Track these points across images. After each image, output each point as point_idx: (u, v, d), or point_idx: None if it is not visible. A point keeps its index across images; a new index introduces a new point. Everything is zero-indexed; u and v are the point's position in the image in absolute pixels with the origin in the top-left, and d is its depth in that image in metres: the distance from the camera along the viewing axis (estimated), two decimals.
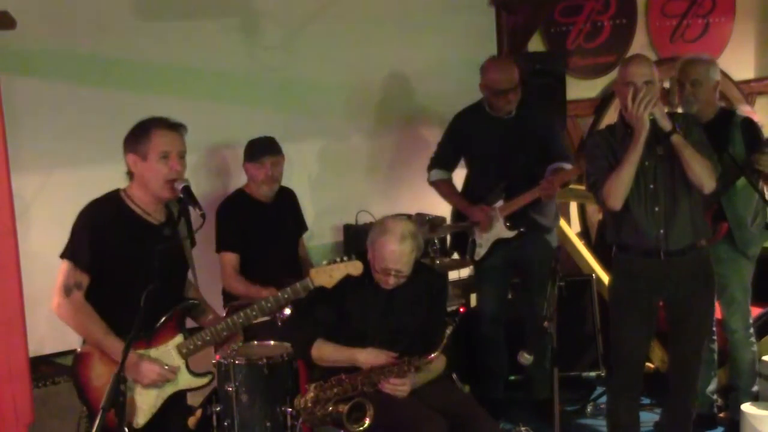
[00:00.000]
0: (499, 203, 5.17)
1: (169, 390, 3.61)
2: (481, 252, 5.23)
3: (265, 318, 4.30)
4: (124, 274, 3.43)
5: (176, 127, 3.54)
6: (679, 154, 4.07)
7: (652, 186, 4.16)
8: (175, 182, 3.50)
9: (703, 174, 4.08)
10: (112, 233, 3.49)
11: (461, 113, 5.36)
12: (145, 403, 3.56)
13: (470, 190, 5.34)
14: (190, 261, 3.69)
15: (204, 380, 3.71)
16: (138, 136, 3.51)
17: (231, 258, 4.83)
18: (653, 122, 4.03)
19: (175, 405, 3.67)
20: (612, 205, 4.15)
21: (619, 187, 4.10)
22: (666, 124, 4.05)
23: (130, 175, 3.58)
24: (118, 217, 3.52)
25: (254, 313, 3.73)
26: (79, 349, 3.63)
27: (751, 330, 4.99)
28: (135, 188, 3.57)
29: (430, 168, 5.38)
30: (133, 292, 3.27)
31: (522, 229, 5.18)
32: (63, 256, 3.55)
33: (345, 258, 3.90)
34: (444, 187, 5.37)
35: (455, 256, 5.54)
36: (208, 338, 3.65)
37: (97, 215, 3.51)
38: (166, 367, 3.58)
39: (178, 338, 3.65)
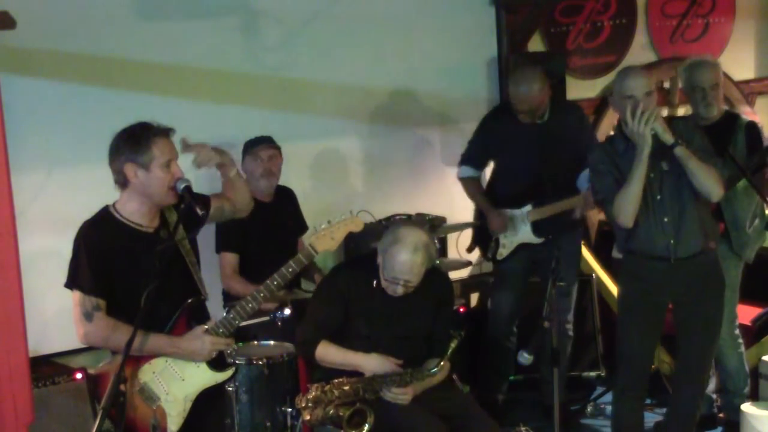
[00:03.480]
0: (527, 207, 5.13)
1: (194, 391, 3.53)
2: (503, 253, 5.19)
3: (269, 306, 4.25)
4: (134, 290, 3.37)
5: (170, 133, 3.53)
6: (683, 165, 4.03)
7: (659, 197, 4.12)
8: (177, 182, 3.49)
9: (709, 182, 4.04)
10: (112, 254, 3.43)
11: (493, 114, 5.31)
12: (174, 409, 3.48)
13: (495, 191, 5.29)
14: (190, 262, 3.63)
15: (227, 374, 3.61)
16: (137, 147, 3.43)
17: (231, 258, 4.84)
18: (655, 137, 3.99)
19: (207, 403, 3.58)
20: (623, 223, 4.11)
21: (629, 205, 4.06)
22: (668, 138, 4.00)
23: (122, 185, 3.49)
24: (114, 236, 3.46)
25: (261, 294, 3.63)
26: (93, 371, 3.56)
27: (737, 332, 4.96)
28: (126, 200, 3.50)
29: (461, 164, 5.34)
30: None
31: (549, 236, 5.10)
32: (69, 286, 3.47)
33: (343, 216, 3.75)
34: (471, 186, 5.32)
35: (476, 252, 5.47)
36: (221, 330, 3.61)
37: (92, 239, 3.44)
38: (219, 339, 3.53)
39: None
